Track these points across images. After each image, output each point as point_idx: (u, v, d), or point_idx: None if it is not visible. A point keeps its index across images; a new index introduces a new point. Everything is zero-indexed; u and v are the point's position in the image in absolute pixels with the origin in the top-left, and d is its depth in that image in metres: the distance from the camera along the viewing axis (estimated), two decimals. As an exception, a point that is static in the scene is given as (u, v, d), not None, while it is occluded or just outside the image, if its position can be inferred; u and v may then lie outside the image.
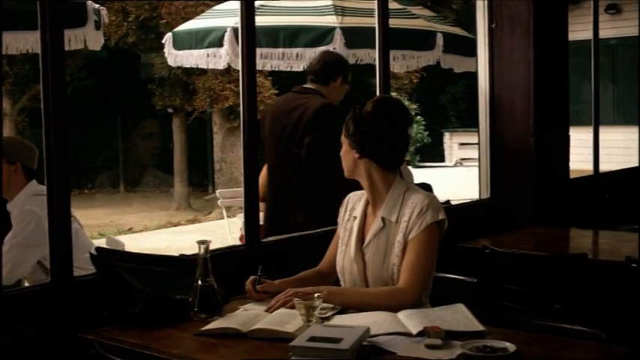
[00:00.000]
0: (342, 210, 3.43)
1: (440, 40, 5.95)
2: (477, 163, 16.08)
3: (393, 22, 5.19)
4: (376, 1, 4.82)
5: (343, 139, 3.28)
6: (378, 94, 4.91)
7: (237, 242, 7.03)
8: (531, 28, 5.40)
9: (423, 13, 6.46)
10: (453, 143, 16.98)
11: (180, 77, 15.74)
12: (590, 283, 4.18)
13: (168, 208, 16.47)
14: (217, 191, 8.07)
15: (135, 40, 15.92)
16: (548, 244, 4.96)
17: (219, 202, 7.79)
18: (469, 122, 20.91)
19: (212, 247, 3.17)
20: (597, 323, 2.93)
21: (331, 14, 5.82)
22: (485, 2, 5.57)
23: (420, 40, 5.92)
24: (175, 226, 14.34)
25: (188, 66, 6.54)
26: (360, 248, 3.26)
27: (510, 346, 2.63)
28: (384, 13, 4.78)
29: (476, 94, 5.79)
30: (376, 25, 4.82)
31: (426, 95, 21.90)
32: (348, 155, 3.28)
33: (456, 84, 22.81)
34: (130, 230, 13.74)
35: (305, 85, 4.79)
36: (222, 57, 5.86)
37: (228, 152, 15.81)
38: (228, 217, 7.84)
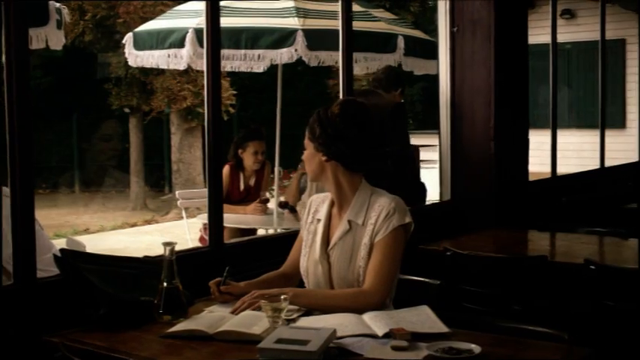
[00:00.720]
0: (304, 212, 3.43)
1: (401, 42, 5.97)
2: (435, 165, 16.16)
3: (355, 25, 5.21)
4: (340, 4, 4.83)
5: (307, 143, 3.26)
6: (341, 96, 4.93)
7: (197, 243, 7.02)
8: (492, 32, 5.45)
9: (384, 15, 6.48)
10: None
11: (137, 77, 15.63)
12: (550, 284, 4.24)
13: (125, 209, 16.34)
14: (177, 192, 8.02)
15: (91, 39, 15.78)
16: (508, 246, 5.02)
17: (178, 202, 7.74)
18: (427, 124, 21.01)
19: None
20: (557, 324, 2.97)
21: (293, 16, 5.80)
22: (447, 6, 5.61)
23: (382, 42, 5.94)
24: (132, 226, 14.24)
25: (148, 66, 6.50)
26: (326, 250, 3.27)
27: (475, 348, 2.66)
28: (348, 15, 4.80)
29: (436, 97, 5.82)
30: (340, 28, 4.85)
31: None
32: (313, 159, 3.27)
33: (412, 86, 22.90)
34: (87, 231, 13.61)
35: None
36: (183, 58, 5.82)
37: (186, 153, 15.74)
38: (188, 217, 7.80)
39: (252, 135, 6.88)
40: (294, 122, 6.67)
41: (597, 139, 8.32)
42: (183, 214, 7.71)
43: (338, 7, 5.75)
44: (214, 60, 3.91)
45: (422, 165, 15.45)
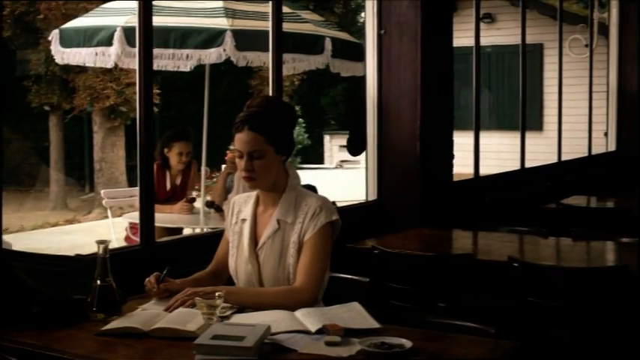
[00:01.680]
0: (228, 213, 3.45)
1: (329, 44, 6.00)
2: (357, 166, 16.29)
3: (284, 26, 5.25)
4: (270, 5, 4.87)
5: (264, 149, 3.16)
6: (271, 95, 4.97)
7: (122, 242, 6.97)
8: (419, 35, 5.55)
9: (311, 17, 6.52)
10: (333, 145, 17.12)
11: (57, 74, 15.40)
12: (475, 281, 4.35)
13: (44, 208, 16.08)
14: (102, 191, 7.95)
15: (10, 35, 15.48)
16: (433, 245, 5.12)
17: (103, 202, 7.67)
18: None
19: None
20: (482, 320, 3.07)
21: (222, 16, 5.80)
22: (375, 9, 5.69)
23: (310, 44, 5.96)
24: (53, 226, 14.02)
25: (75, 64, 6.41)
26: (254, 250, 3.31)
27: (407, 342, 2.73)
28: (278, 17, 4.84)
29: (363, 98, 5.90)
30: (270, 29, 4.88)
31: (305, 97, 22.06)
32: (274, 163, 3.22)
33: (335, 87, 23.04)
34: (6, 231, 13.31)
35: None
36: (111, 56, 5.77)
37: (109, 152, 15.58)
38: (113, 217, 7.72)
39: (179, 135, 6.86)
40: (217, 122, 6.70)
41: (516, 141, 8.52)
42: (109, 213, 7.65)
43: (267, 9, 5.79)
44: (146, 59, 3.92)
45: (343, 165, 15.66)
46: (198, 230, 6.56)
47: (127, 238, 6.99)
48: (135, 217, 6.83)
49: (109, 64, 6.08)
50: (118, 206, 8.59)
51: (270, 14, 4.85)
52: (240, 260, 3.33)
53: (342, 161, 16.14)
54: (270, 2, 4.85)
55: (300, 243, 3.24)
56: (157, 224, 6.16)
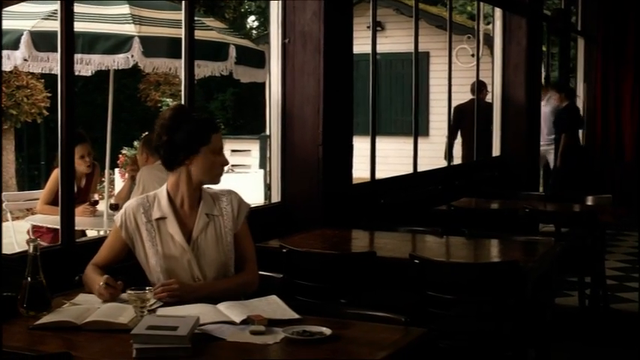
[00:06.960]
0: (126, 220, 3.57)
1: (233, 51, 6.20)
2: (248, 170, 16.33)
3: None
4: (183, 13, 5.03)
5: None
6: (183, 102, 5.14)
7: (24, 246, 6.94)
8: (322, 44, 5.80)
9: (215, 24, 6.71)
10: (225, 150, 17.13)
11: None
12: (378, 278, 4.61)
13: None
14: (2, 194, 7.90)
15: None
16: (337, 244, 5.34)
17: (4, 205, 7.63)
18: (239, 129, 21.30)
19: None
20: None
21: (129, 23, 5.92)
22: (279, 19, 5.92)
23: (216, 51, 6.15)
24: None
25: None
26: (189, 244, 3.53)
27: (326, 330, 2.98)
28: (191, 25, 5.00)
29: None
30: (183, 36, 5.03)
31: (195, 102, 22.01)
32: None
33: (225, 92, 23.09)
34: None
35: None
36: (17, 60, 5.79)
37: (-2, 155, 15.28)
38: (13, 220, 7.69)
39: (76, 139, 6.89)
40: (105, 125, 6.82)
41: (405, 146, 8.86)
42: (9, 217, 7.62)
43: (173, 16, 5.97)
44: (68, 63, 4.04)
45: (235, 170, 15.80)
46: (102, 232, 6.64)
47: (28, 242, 6.97)
48: (38, 220, 6.89)
49: (8, 67, 6.10)
50: (18, 209, 8.49)
51: (183, 21, 5.01)
52: (169, 255, 3.53)
53: (234, 165, 16.24)
54: (183, 10, 5.01)
55: (234, 231, 3.60)
56: (58, 226, 6.26)
